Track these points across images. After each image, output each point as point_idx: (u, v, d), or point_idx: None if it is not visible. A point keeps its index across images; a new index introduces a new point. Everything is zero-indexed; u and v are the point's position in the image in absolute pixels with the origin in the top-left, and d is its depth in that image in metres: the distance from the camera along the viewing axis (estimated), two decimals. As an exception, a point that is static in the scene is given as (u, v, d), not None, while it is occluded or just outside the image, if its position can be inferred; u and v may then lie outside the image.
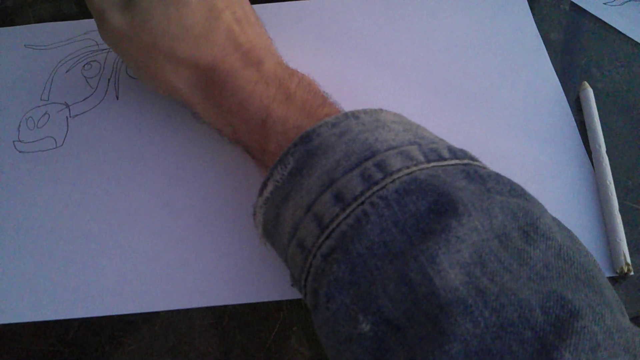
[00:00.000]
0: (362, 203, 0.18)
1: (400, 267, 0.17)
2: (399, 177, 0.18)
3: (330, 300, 0.18)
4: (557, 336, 0.14)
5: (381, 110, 0.23)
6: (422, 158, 0.19)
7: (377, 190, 0.18)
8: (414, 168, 0.19)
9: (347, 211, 0.18)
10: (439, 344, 0.15)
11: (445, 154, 0.20)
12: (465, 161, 0.20)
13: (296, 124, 0.24)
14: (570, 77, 0.34)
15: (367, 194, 0.18)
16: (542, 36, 0.36)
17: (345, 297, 0.17)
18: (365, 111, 0.22)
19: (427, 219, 0.17)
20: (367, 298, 0.17)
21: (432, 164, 0.19)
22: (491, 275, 0.16)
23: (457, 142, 0.22)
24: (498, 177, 0.19)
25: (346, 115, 0.22)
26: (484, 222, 0.17)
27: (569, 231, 0.19)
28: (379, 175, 0.18)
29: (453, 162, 0.19)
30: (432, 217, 0.17)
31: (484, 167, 0.20)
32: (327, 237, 0.19)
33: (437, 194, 0.18)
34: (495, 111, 0.32)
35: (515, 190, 0.19)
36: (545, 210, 0.19)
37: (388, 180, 0.18)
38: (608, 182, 0.28)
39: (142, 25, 0.25)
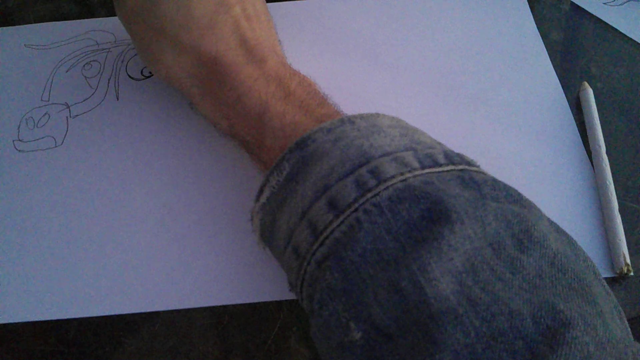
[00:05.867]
0: (356, 210, 0.18)
1: (392, 276, 0.16)
2: (392, 184, 0.18)
3: (323, 307, 0.18)
4: (547, 346, 0.14)
5: (378, 114, 0.22)
6: (416, 164, 0.19)
7: (371, 198, 0.18)
8: (408, 175, 0.18)
9: (341, 218, 0.18)
10: (429, 354, 0.15)
11: (441, 159, 0.19)
12: (461, 167, 0.19)
13: (293, 120, 0.23)
14: (570, 77, 0.34)
15: (361, 201, 0.18)
16: (542, 36, 0.36)
17: (337, 305, 0.17)
18: (361, 116, 0.22)
19: (419, 226, 0.17)
20: (359, 306, 0.17)
21: (427, 170, 0.19)
22: (483, 284, 0.16)
23: (457, 143, 0.22)
24: (494, 183, 0.19)
25: (342, 121, 0.21)
26: (477, 230, 0.17)
27: (567, 236, 0.19)
28: (372, 182, 0.18)
29: (448, 167, 0.19)
30: (424, 224, 0.17)
31: (481, 173, 0.20)
32: (321, 244, 0.18)
33: (430, 201, 0.17)
34: (495, 111, 0.32)
35: (511, 196, 0.19)
36: (542, 216, 0.19)
37: (381, 187, 0.18)
38: (608, 183, 0.28)
39: (152, 9, 0.26)
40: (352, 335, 0.17)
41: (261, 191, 0.22)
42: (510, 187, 0.19)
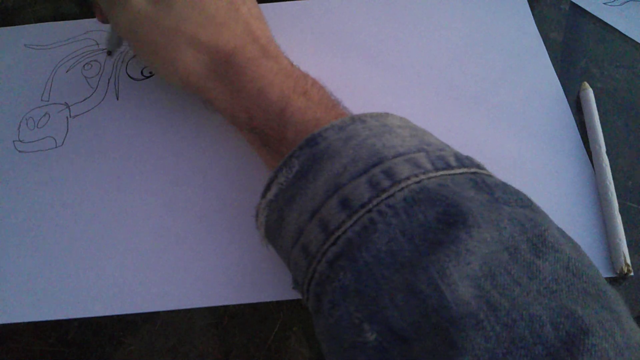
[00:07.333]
0: (370, 211, 0.18)
1: (409, 278, 0.16)
2: (407, 186, 0.18)
3: (334, 307, 0.18)
4: (568, 353, 0.14)
5: (387, 114, 0.22)
6: (430, 166, 0.19)
7: (385, 198, 0.18)
8: (423, 177, 0.18)
9: (354, 218, 0.18)
10: (450, 358, 0.15)
11: (453, 162, 0.19)
12: (473, 170, 0.19)
13: (315, 116, 0.24)
14: (570, 77, 0.34)
15: (375, 201, 0.18)
16: (542, 36, 0.36)
17: (350, 305, 0.17)
18: (371, 115, 0.22)
19: (435, 229, 0.17)
20: (374, 307, 0.17)
21: (440, 172, 0.19)
22: (501, 288, 0.16)
23: (457, 143, 0.22)
24: (505, 187, 0.19)
25: (352, 119, 0.21)
26: (493, 233, 0.17)
27: (573, 241, 0.19)
28: (386, 183, 0.18)
29: (461, 170, 0.19)
30: (440, 227, 0.17)
31: (491, 176, 0.20)
32: (333, 244, 0.18)
33: (446, 204, 0.17)
34: (495, 111, 0.32)
35: (522, 200, 0.19)
36: (551, 221, 0.19)
37: (396, 188, 0.18)
38: (608, 183, 0.28)
39: (167, 10, 0.26)
40: (366, 336, 0.16)
41: (268, 188, 0.22)
42: (519, 191, 0.19)
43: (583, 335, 0.14)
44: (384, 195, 0.18)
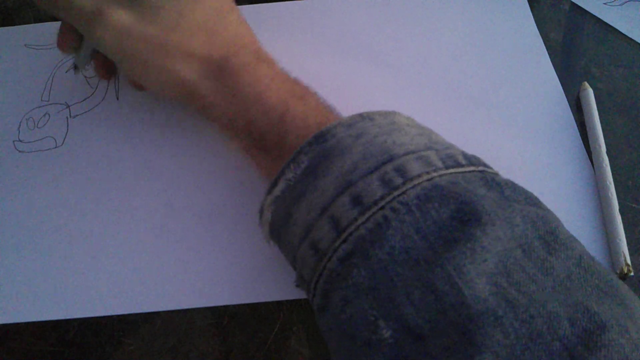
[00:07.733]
0: (382, 208, 0.18)
1: (425, 275, 0.16)
2: (419, 183, 0.18)
3: (347, 304, 0.18)
4: (585, 348, 0.14)
5: (394, 112, 0.22)
6: (440, 164, 0.19)
7: (398, 196, 0.18)
8: (434, 174, 0.18)
9: (367, 215, 0.18)
10: (468, 355, 0.15)
11: (462, 160, 0.20)
12: (480, 168, 0.20)
13: (316, 121, 0.23)
14: (570, 77, 0.34)
15: (388, 198, 0.18)
16: (542, 36, 0.36)
17: (364, 302, 0.17)
18: (379, 113, 0.22)
19: (450, 227, 0.17)
20: (389, 304, 0.17)
21: (451, 170, 0.19)
22: (517, 285, 0.16)
23: (458, 143, 0.22)
24: (514, 185, 0.19)
25: (361, 117, 0.21)
26: (507, 231, 0.17)
27: (579, 241, 0.19)
28: (398, 181, 0.18)
29: (470, 168, 0.19)
30: (455, 225, 0.17)
31: (498, 175, 0.20)
32: (344, 241, 0.18)
33: (459, 201, 0.17)
34: (495, 111, 0.32)
35: (530, 199, 0.19)
36: (559, 219, 0.19)
37: (408, 185, 0.18)
38: (608, 183, 0.28)
39: (153, 20, 0.25)
40: (381, 333, 0.17)
41: (275, 184, 0.22)
42: (527, 190, 0.19)
43: (600, 331, 0.15)
44: (396, 193, 0.18)
